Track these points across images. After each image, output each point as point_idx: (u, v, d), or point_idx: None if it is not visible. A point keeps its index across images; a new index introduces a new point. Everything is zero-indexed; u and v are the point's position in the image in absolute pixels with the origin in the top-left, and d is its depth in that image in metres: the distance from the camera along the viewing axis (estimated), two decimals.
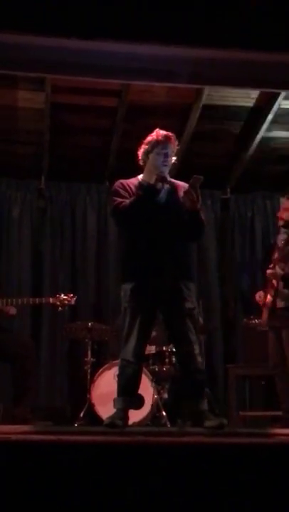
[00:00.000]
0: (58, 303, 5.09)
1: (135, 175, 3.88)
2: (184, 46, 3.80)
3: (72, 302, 5.16)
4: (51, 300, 5.12)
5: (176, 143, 3.78)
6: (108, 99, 5.93)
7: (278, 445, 2.76)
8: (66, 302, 5.11)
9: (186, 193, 3.61)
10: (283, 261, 4.79)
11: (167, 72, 4.15)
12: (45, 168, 6.69)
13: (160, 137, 3.71)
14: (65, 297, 5.12)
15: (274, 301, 4.74)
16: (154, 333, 5.42)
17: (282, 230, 4.92)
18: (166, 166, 3.74)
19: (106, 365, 5.42)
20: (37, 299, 5.28)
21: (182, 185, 3.77)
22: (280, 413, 4.95)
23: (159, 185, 3.70)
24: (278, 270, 4.77)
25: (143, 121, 6.04)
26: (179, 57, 3.98)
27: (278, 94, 5.75)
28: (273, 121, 6.16)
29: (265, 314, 4.80)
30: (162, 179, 3.70)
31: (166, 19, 3.63)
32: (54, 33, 3.63)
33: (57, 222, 6.85)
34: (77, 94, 5.84)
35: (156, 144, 3.71)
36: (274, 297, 4.74)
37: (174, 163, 3.80)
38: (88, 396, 5.30)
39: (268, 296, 4.77)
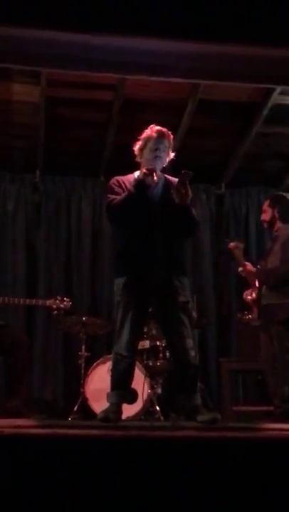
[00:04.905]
0: (54, 306, 5.10)
1: (131, 169, 3.87)
2: (180, 41, 3.79)
3: (68, 307, 5.17)
4: (48, 303, 5.14)
5: (172, 138, 3.77)
6: (104, 93, 5.91)
7: (271, 439, 2.77)
8: (62, 306, 5.13)
9: (175, 188, 3.59)
10: (263, 258, 4.85)
11: (163, 67, 4.14)
12: (40, 162, 6.67)
13: (153, 132, 3.71)
14: (60, 300, 5.13)
15: (259, 299, 4.77)
16: (153, 331, 5.45)
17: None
18: (157, 160, 3.71)
19: (100, 360, 5.43)
20: (33, 301, 5.28)
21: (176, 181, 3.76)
22: (272, 408, 4.96)
23: (148, 179, 3.60)
24: (250, 267, 4.81)
25: (138, 115, 6.04)
26: (175, 52, 3.96)
27: (274, 90, 5.75)
28: (269, 117, 6.16)
29: (255, 310, 4.83)
30: (150, 172, 3.60)
31: (162, 13, 3.61)
32: (49, 26, 3.61)
33: (52, 217, 6.83)
34: (72, 88, 5.82)
35: (149, 139, 3.71)
36: (257, 295, 4.77)
37: (171, 159, 3.79)
38: (82, 390, 5.31)
39: (253, 294, 4.81)
